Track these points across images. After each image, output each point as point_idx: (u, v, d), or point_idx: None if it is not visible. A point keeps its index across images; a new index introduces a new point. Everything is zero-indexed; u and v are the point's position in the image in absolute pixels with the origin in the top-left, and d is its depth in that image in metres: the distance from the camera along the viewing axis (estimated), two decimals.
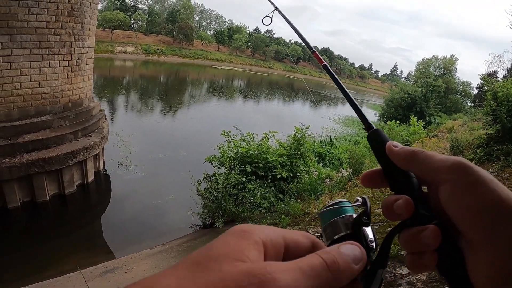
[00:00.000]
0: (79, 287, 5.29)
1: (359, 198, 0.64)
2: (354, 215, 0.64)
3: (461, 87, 56.98)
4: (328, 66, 1.05)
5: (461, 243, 0.50)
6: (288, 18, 1.52)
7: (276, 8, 1.76)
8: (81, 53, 9.53)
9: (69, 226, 8.44)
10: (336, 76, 0.96)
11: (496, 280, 0.45)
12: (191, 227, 8.71)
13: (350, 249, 0.43)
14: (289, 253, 0.42)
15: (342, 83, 0.90)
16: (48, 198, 8.35)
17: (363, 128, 0.72)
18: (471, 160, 8.26)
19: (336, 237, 0.59)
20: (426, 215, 0.54)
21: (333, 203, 0.66)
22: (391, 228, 0.57)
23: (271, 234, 0.40)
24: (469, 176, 0.49)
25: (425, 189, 0.58)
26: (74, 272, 5.66)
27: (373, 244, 0.59)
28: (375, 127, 0.69)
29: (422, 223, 0.53)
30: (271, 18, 1.94)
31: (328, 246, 0.55)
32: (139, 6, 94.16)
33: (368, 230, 0.62)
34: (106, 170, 10.95)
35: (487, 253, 0.46)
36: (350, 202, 0.67)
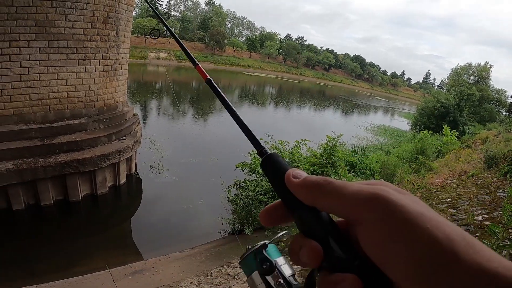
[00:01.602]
0: (107, 286, 5.36)
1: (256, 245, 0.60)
2: (280, 259, 0.61)
3: (496, 95, 55.27)
4: (212, 81, 0.93)
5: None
6: (172, 31, 1.50)
7: (161, 20, 1.75)
8: (116, 58, 9.73)
9: (99, 225, 8.63)
10: (220, 91, 0.83)
11: None
12: (220, 232, 8.72)
13: None
14: None
15: (227, 99, 0.79)
16: (80, 197, 8.55)
17: (256, 153, 0.62)
18: (505, 174, 7.96)
19: None
20: (343, 259, 0.45)
21: (248, 252, 0.62)
22: None
23: None
24: (393, 215, 0.40)
25: None
26: (103, 271, 5.76)
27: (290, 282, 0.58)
28: (269, 152, 0.59)
29: (339, 269, 0.44)
30: (159, 30, 1.96)
31: None
32: (172, 13, 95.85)
33: (284, 268, 0.59)
34: (138, 173, 11.12)
35: None
36: (274, 247, 0.64)
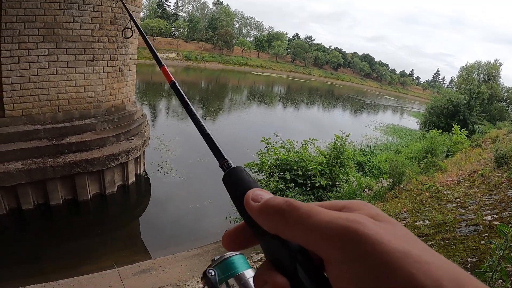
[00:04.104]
0: (114, 284, 5.39)
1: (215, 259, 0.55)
2: (248, 272, 0.57)
3: (506, 93, 54.47)
4: (176, 84, 0.86)
5: None
6: (141, 30, 1.47)
7: (132, 18, 1.72)
8: (124, 59, 9.78)
9: (108, 225, 8.70)
10: (183, 94, 0.78)
11: None
12: None
13: None
14: None
15: (190, 105, 0.74)
16: (89, 197, 8.63)
17: (219, 167, 0.54)
18: None
19: None
20: None
21: (218, 261, 0.58)
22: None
23: None
24: (368, 257, 0.32)
25: None
26: (111, 269, 5.80)
27: None
28: (233, 165, 0.53)
29: None
30: (131, 29, 1.96)
31: None
32: (180, 14, 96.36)
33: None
34: (146, 173, 11.17)
35: None
36: (243, 257, 0.59)
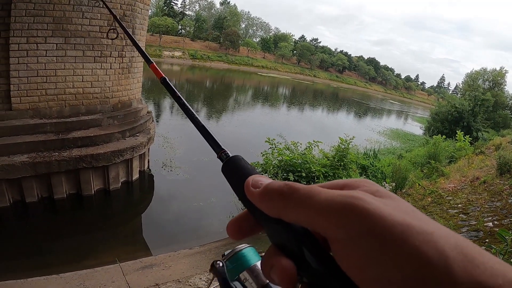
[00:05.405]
0: (116, 279, 5.41)
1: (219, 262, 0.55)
2: (257, 262, 0.56)
3: (511, 101, 54.31)
4: (167, 79, 0.88)
5: None
6: (127, 30, 1.51)
7: (116, 19, 1.75)
8: (132, 56, 9.81)
9: (111, 220, 8.73)
10: (175, 89, 0.78)
11: None
12: None
13: None
14: None
15: (182, 98, 0.74)
16: (93, 192, 8.65)
17: (217, 157, 0.54)
18: None
19: None
20: (324, 279, 0.36)
21: (229, 255, 0.58)
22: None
23: None
24: (371, 231, 0.32)
25: None
26: (113, 264, 5.81)
27: None
28: (230, 154, 0.53)
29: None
30: (116, 30, 1.96)
31: None
32: (187, 12, 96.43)
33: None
34: (150, 170, 11.18)
35: None
36: (253, 250, 0.59)
